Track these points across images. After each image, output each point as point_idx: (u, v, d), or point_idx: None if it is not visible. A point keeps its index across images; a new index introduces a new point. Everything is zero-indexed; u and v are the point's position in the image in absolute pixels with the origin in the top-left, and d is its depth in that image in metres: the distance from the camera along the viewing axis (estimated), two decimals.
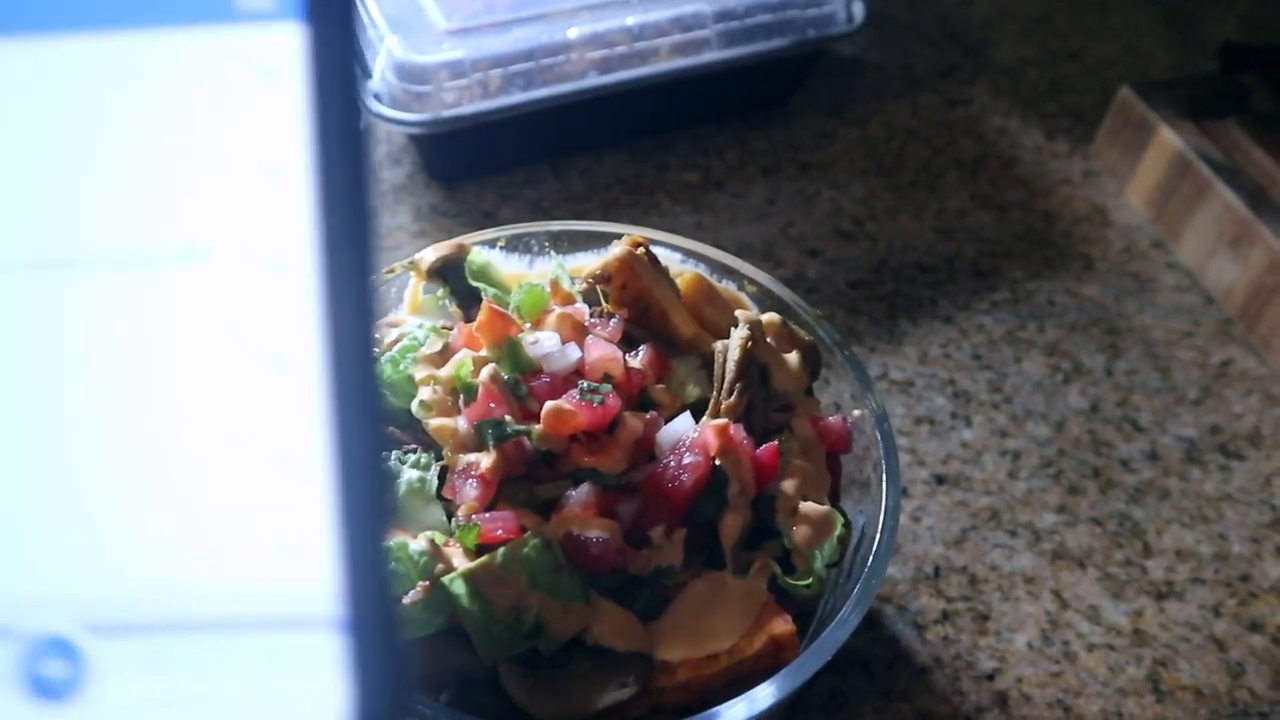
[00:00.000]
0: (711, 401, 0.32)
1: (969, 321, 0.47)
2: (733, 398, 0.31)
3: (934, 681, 0.36)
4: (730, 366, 0.32)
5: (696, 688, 0.28)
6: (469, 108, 0.47)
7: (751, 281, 0.37)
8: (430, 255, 0.35)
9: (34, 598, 0.16)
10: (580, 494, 0.29)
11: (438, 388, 0.31)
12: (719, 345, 0.33)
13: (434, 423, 0.30)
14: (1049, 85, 0.61)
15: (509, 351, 0.30)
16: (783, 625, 0.28)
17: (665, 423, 0.30)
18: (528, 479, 0.29)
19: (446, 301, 0.35)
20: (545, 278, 0.34)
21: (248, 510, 0.17)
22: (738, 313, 0.34)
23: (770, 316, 0.34)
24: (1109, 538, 0.40)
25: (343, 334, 0.17)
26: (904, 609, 0.38)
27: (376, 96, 0.47)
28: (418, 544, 0.27)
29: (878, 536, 0.30)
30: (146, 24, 0.17)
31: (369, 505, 0.16)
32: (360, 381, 0.16)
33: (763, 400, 0.33)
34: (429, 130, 0.47)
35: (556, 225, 0.37)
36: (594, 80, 0.48)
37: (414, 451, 0.30)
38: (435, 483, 0.29)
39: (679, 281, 0.34)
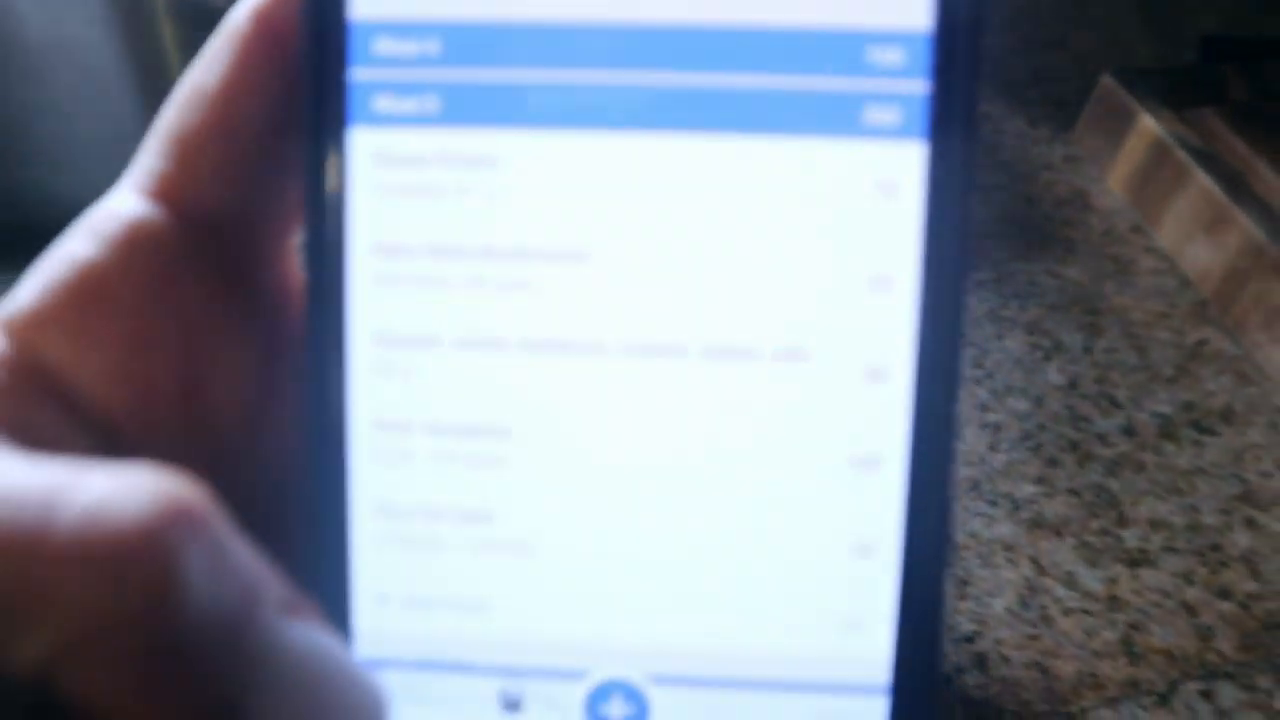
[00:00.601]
0: None
1: None
2: None
3: None
4: None
5: None
6: None
7: None
8: None
9: (609, 647, 0.18)
10: None
11: None
12: None
13: None
14: (1032, 73, 0.62)
15: None
16: None
17: None
18: None
19: None
20: None
21: (817, 589, 0.18)
22: None
23: None
24: (1085, 508, 0.42)
25: (929, 441, 0.17)
26: None
27: None
28: None
29: None
30: (776, 131, 0.17)
31: (933, 591, 0.18)
32: (939, 481, 0.18)
33: None
34: None
35: None
36: None
37: None
38: None
39: None
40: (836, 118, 0.17)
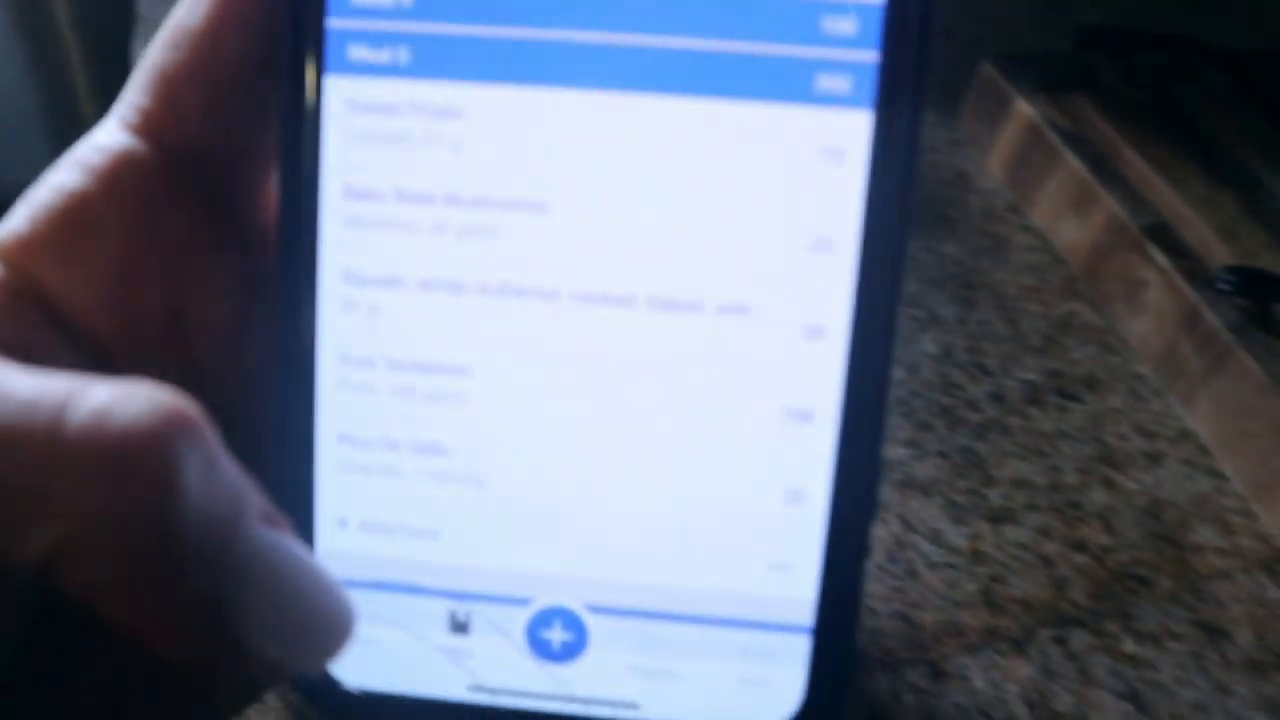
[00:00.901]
0: None
1: None
2: None
3: None
4: None
5: None
6: None
7: None
8: None
9: (553, 577, 0.19)
10: None
11: None
12: None
13: None
14: None
15: None
16: None
17: None
18: None
19: None
20: None
21: (749, 532, 0.19)
22: None
23: None
24: (953, 469, 0.43)
25: (862, 395, 0.18)
26: None
27: None
28: None
29: None
30: (731, 95, 0.17)
31: (858, 538, 0.19)
32: (870, 436, 0.19)
33: None
34: None
35: None
36: None
37: None
38: None
39: None
40: (789, 84, 0.17)
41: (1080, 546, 0.41)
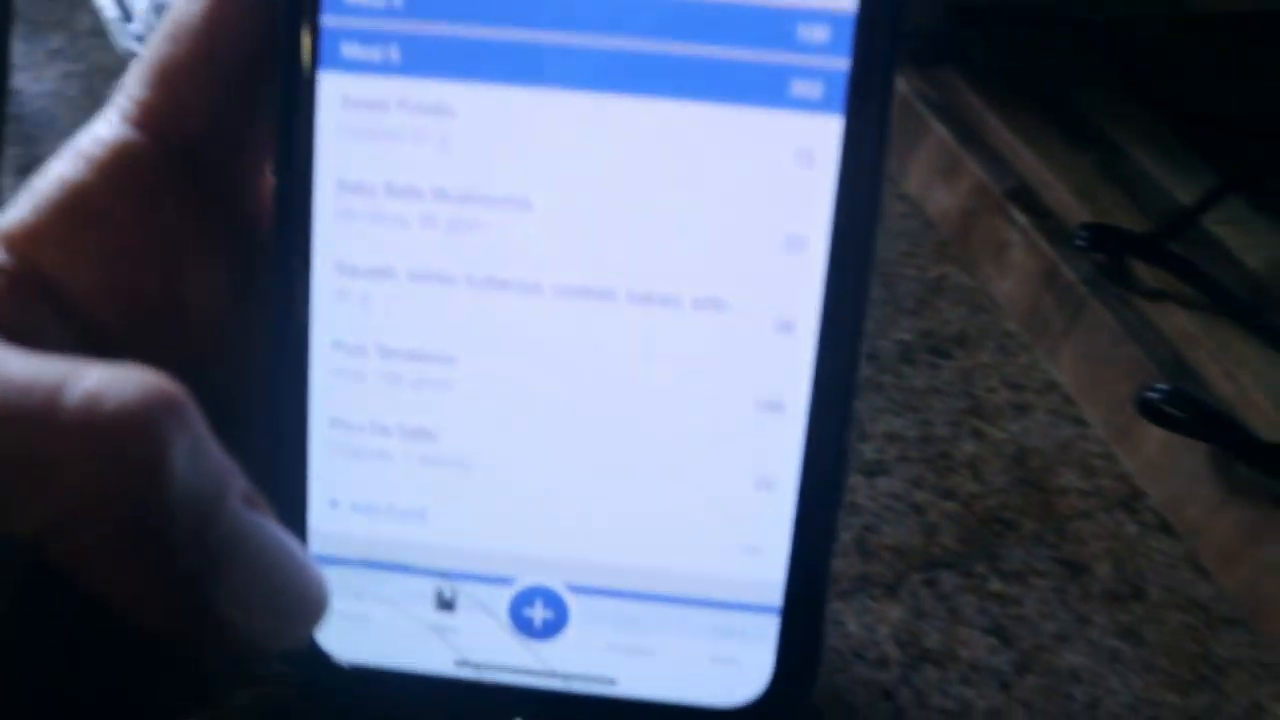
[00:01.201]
0: None
1: None
2: None
3: None
4: None
5: None
6: None
7: None
8: None
9: (535, 558, 0.20)
10: None
11: None
12: None
13: None
14: None
15: None
16: None
17: None
18: None
19: None
20: None
21: (722, 517, 0.20)
22: None
23: None
24: None
25: (830, 388, 0.19)
26: None
27: (138, 38, 0.48)
28: None
29: None
30: (710, 98, 0.18)
31: (826, 524, 0.20)
32: (838, 426, 0.19)
33: None
34: None
35: None
36: None
37: None
38: None
39: None
40: (765, 89, 0.18)
41: (950, 494, 0.43)
